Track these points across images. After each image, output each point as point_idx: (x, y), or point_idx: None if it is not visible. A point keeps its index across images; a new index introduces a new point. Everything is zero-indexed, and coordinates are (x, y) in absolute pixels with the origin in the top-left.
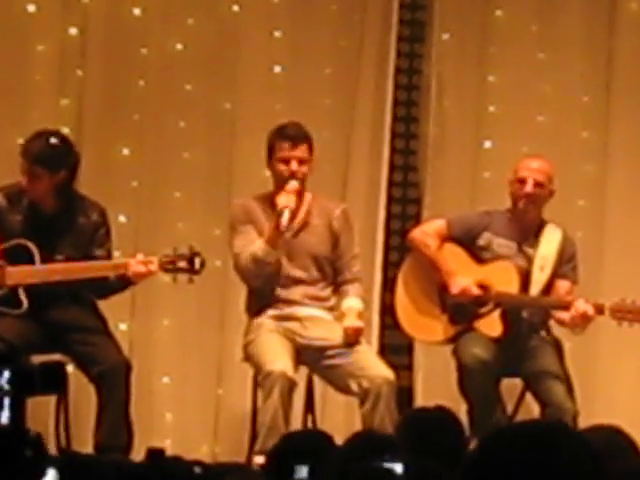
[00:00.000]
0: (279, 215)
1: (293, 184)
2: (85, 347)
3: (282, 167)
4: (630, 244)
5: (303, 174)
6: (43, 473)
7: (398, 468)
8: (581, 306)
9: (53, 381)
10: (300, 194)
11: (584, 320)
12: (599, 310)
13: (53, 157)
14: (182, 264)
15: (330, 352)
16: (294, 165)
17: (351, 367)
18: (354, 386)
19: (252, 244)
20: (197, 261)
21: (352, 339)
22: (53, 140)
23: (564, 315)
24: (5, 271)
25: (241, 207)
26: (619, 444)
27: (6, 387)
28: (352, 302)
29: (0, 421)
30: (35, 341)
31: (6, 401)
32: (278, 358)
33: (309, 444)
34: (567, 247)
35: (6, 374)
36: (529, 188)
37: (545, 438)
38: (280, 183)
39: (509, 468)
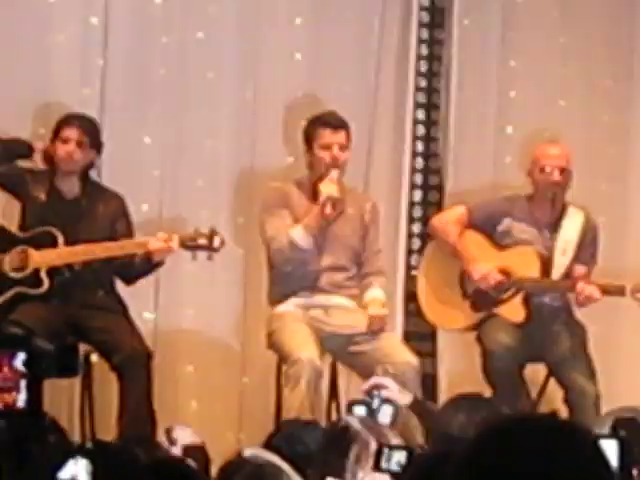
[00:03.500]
0: (323, 204)
1: (335, 173)
2: (106, 335)
3: (323, 154)
4: None
5: (343, 161)
6: (65, 457)
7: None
8: (585, 289)
9: (68, 363)
10: (340, 183)
11: (588, 301)
12: (620, 291)
13: (97, 132)
14: (202, 241)
15: (355, 339)
16: (336, 150)
17: (376, 354)
18: (379, 372)
19: (287, 228)
20: (217, 239)
21: (376, 326)
22: (94, 121)
23: (571, 295)
24: (28, 254)
25: (277, 191)
26: None
27: (22, 369)
28: (376, 293)
29: (17, 404)
30: (57, 330)
31: (22, 383)
32: (305, 346)
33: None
34: (589, 231)
35: (22, 356)
36: (556, 177)
37: (542, 436)
38: (320, 170)
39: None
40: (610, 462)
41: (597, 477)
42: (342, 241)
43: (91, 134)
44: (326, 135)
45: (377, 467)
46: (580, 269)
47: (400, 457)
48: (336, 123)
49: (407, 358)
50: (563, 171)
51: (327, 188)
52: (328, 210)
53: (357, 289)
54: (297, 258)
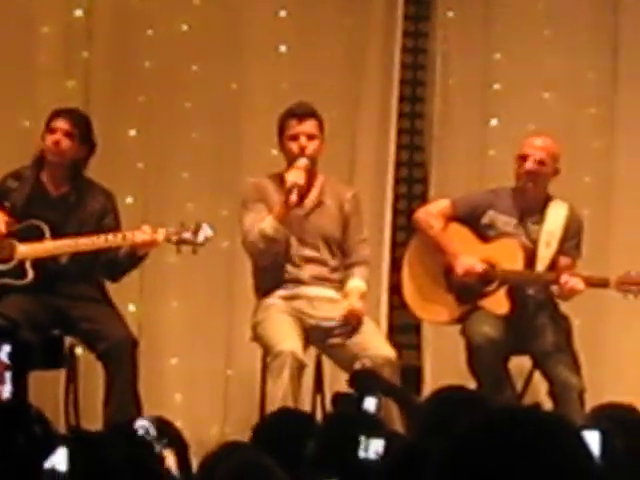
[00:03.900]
0: (288, 191)
1: (303, 161)
2: (90, 324)
3: (292, 144)
4: (637, 220)
5: (313, 150)
6: (51, 449)
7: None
8: (568, 281)
9: (53, 355)
10: (311, 172)
11: (572, 293)
12: (604, 283)
13: (89, 127)
14: (186, 235)
15: (337, 331)
16: (303, 140)
17: (355, 347)
18: (358, 366)
19: (262, 221)
20: (201, 233)
21: (353, 321)
22: (87, 117)
23: (554, 288)
24: (14, 246)
25: (253, 185)
26: (633, 422)
27: (7, 361)
28: (355, 283)
29: (2, 396)
30: (41, 322)
31: (7, 375)
32: (288, 339)
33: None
34: (573, 223)
35: (7, 348)
36: (529, 165)
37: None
38: (291, 162)
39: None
40: (593, 453)
41: (580, 468)
42: (321, 232)
43: (82, 128)
44: (293, 126)
45: (355, 455)
46: (564, 261)
47: (378, 446)
48: (302, 113)
49: (385, 352)
50: (540, 162)
51: (292, 175)
52: (294, 197)
53: (341, 283)
54: (271, 250)
